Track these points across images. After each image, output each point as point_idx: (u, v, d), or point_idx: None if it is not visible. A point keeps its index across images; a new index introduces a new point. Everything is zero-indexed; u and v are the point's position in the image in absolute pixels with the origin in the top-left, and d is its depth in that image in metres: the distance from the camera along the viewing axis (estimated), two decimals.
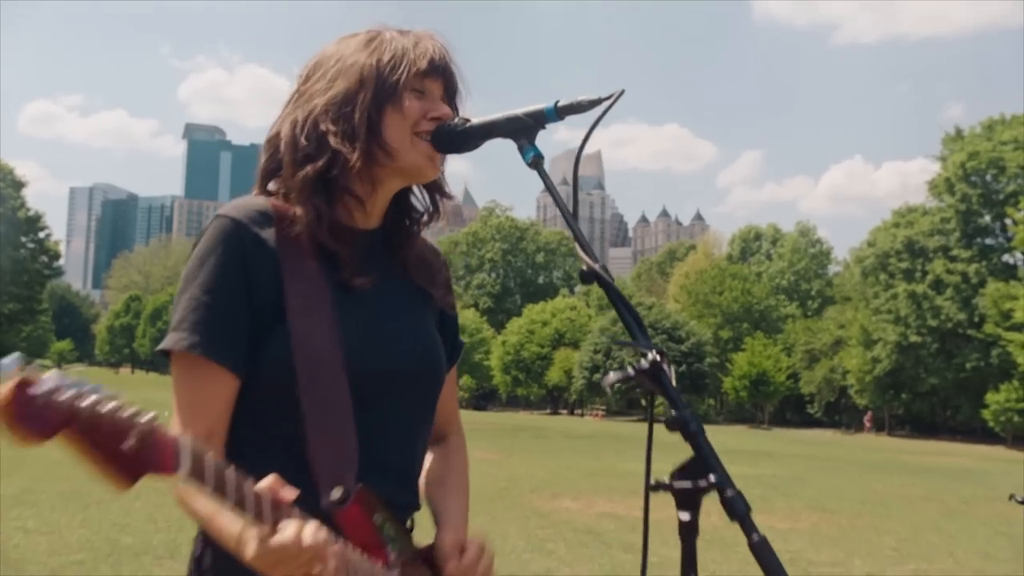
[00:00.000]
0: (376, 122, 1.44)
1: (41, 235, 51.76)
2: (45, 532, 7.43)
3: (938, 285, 53.02)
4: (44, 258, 51.92)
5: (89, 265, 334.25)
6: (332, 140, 1.42)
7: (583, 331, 65.71)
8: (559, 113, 1.35)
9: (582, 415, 67.47)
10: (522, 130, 1.38)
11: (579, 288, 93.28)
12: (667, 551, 6.71)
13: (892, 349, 54.30)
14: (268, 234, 1.42)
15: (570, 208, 1.33)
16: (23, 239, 50.43)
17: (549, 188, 1.35)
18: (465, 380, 72.86)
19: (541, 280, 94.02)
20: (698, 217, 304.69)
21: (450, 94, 1.53)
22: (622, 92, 1.28)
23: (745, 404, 66.87)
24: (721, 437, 32.43)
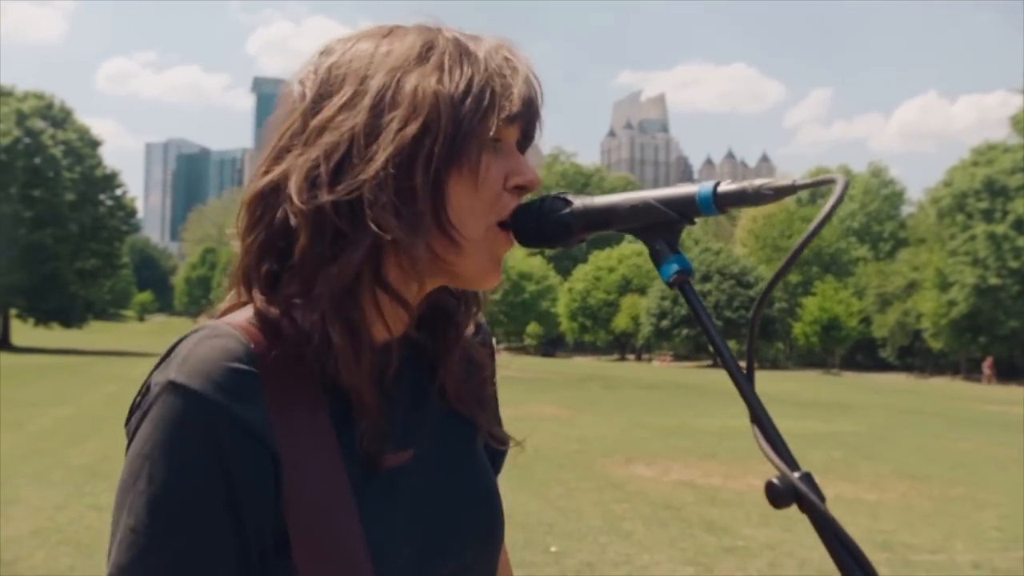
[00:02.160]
0: (439, 193, 0.88)
1: (118, 192, 52.64)
2: None
3: (1019, 225, 51.20)
4: (121, 214, 52.89)
5: (166, 218, 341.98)
6: (383, 217, 0.85)
7: (650, 277, 65.06)
8: (719, 204, 0.85)
9: (650, 360, 67.14)
10: (657, 227, 0.89)
11: None
12: (751, 531, 6.34)
13: (970, 292, 52.78)
14: (256, 409, 0.84)
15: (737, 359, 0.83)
16: (101, 196, 51.42)
17: (696, 312, 0.85)
18: (532, 327, 73.09)
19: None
20: (764, 159, 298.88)
21: (531, 137, 0.98)
22: (846, 185, 0.79)
23: (815, 348, 65.78)
24: (792, 385, 31.99)
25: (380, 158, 0.86)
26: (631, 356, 70.92)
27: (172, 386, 0.83)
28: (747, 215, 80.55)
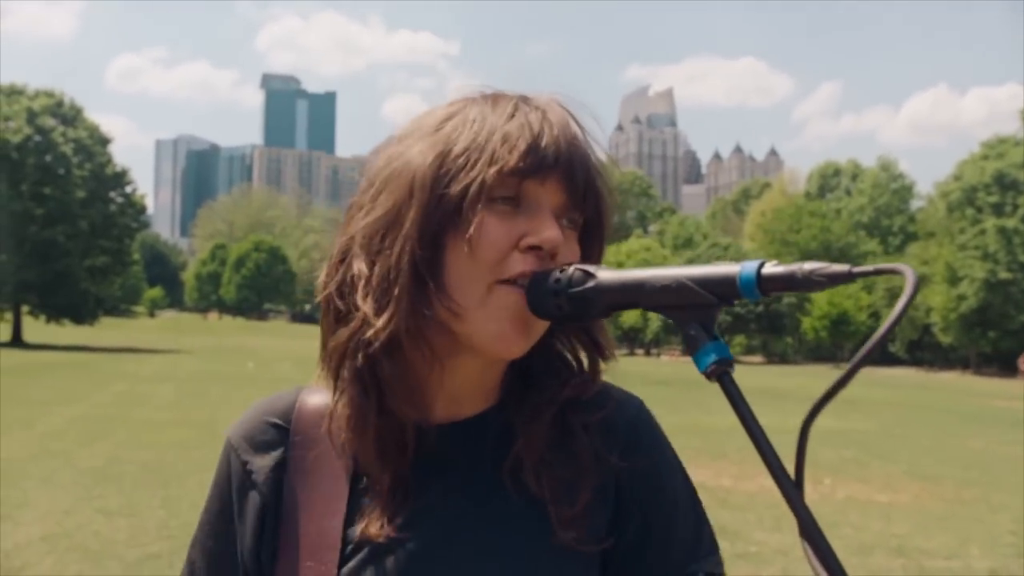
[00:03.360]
0: (431, 259, 0.84)
1: (128, 190, 52.73)
2: (126, 515, 7.36)
3: None
4: (131, 211, 52.98)
5: (176, 214, 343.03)
6: (360, 293, 0.86)
7: None
8: (764, 288, 0.77)
9: (659, 355, 67.05)
10: (693, 309, 0.80)
11: (653, 228, 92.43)
12: (763, 536, 6.25)
13: (979, 286, 52.63)
14: (268, 460, 0.96)
15: (791, 475, 0.75)
16: (111, 194, 51.52)
17: (740, 412, 0.76)
18: None
19: (615, 221, 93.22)
20: (772, 153, 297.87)
21: (577, 195, 0.88)
22: (917, 281, 0.69)
23: (824, 343, 65.64)
24: (802, 379, 31.83)
25: (363, 224, 0.88)
26: (640, 351, 70.83)
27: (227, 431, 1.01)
28: (755, 209, 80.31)
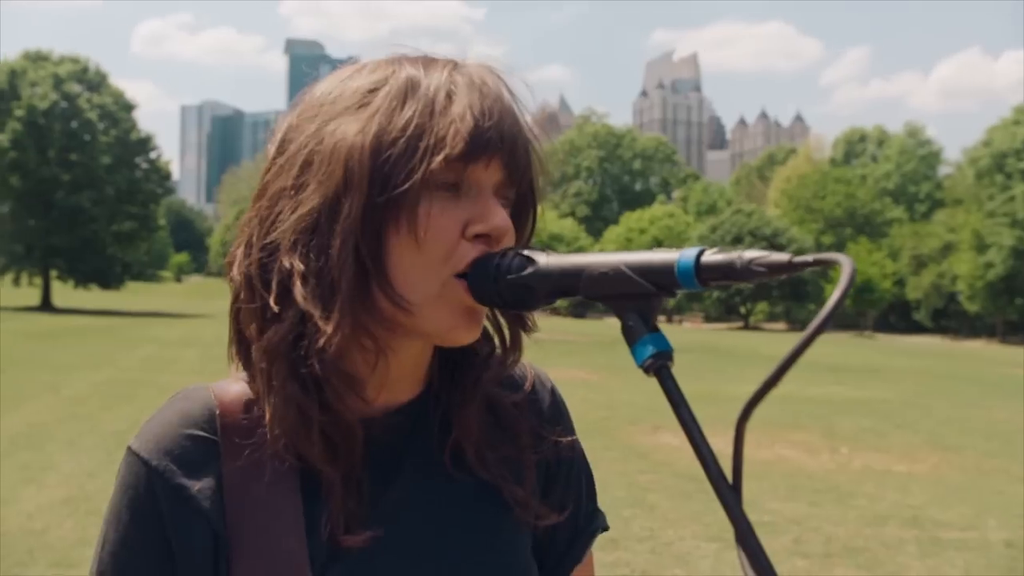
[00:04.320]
0: (375, 253, 0.79)
1: (153, 155, 52.98)
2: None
3: None
4: (156, 177, 53.21)
5: (202, 180, 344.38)
6: (298, 292, 0.79)
7: (681, 238, 64.62)
8: (703, 278, 0.73)
9: (680, 322, 66.90)
10: (631, 299, 0.76)
11: (676, 194, 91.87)
12: (777, 505, 6.25)
13: (1008, 254, 52.05)
14: (204, 480, 0.83)
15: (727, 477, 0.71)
16: (137, 159, 51.76)
17: (676, 406, 0.72)
18: None
19: (638, 187, 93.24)
20: (798, 119, 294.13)
21: (517, 174, 0.84)
22: (854, 270, 0.64)
23: (848, 310, 65.17)
24: (825, 348, 31.61)
25: (289, 224, 0.80)
26: (662, 317, 70.59)
27: (128, 451, 0.85)
28: (780, 176, 79.52)
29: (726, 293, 57.42)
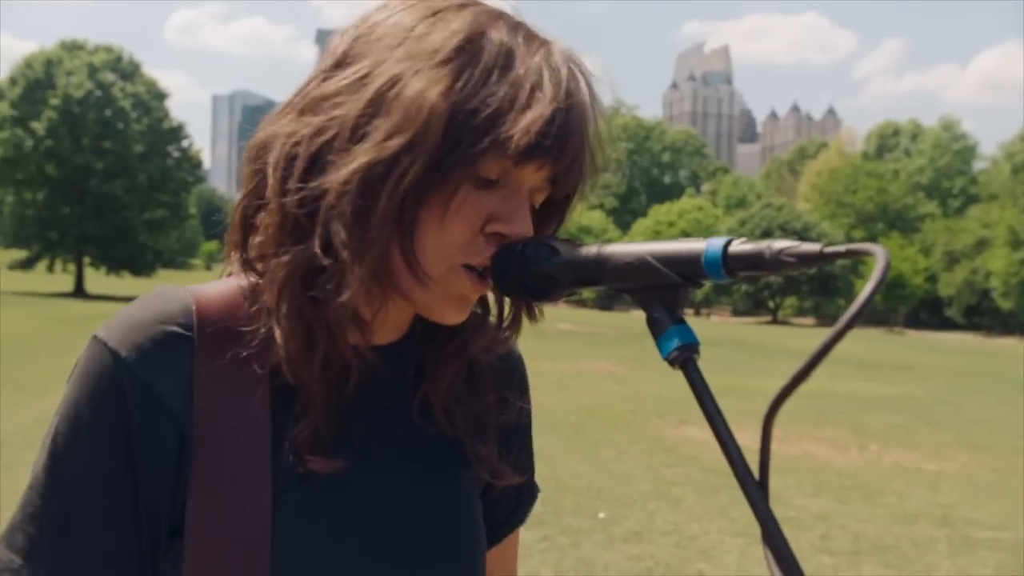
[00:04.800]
0: (412, 222, 0.78)
1: (184, 144, 53.42)
2: None
3: None
4: (188, 165, 53.62)
5: (233, 168, 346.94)
6: (338, 234, 0.77)
7: (710, 232, 64.22)
8: (730, 268, 0.70)
9: (708, 315, 66.59)
10: (657, 290, 0.74)
11: (706, 187, 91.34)
12: (804, 501, 6.17)
13: None
14: (175, 379, 0.80)
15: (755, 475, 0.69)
16: (169, 148, 52.20)
17: (702, 401, 0.71)
18: None
19: (667, 180, 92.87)
20: (830, 112, 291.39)
21: (560, 179, 0.83)
22: (888, 261, 0.62)
23: (878, 306, 64.57)
24: (854, 344, 31.38)
25: (351, 166, 0.77)
26: (689, 311, 70.45)
27: (93, 340, 0.80)
28: (811, 169, 78.79)
29: (754, 287, 57.06)
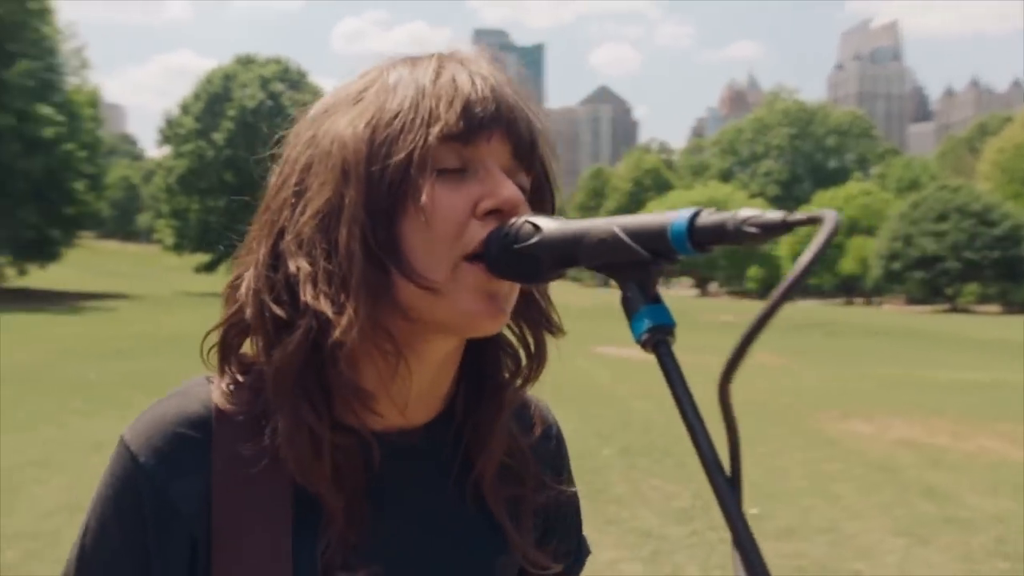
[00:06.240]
0: (388, 241, 0.76)
1: None
2: None
3: None
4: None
5: None
6: (307, 293, 0.75)
7: (879, 217, 61.44)
8: (696, 240, 0.66)
9: (880, 304, 63.64)
10: (630, 267, 0.69)
11: (874, 171, 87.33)
12: (978, 500, 5.77)
13: None
14: (189, 484, 0.79)
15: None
16: None
17: (671, 383, 0.65)
18: (753, 271, 71.15)
19: (832, 164, 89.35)
20: (1016, 84, 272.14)
21: (523, 150, 0.81)
22: (836, 223, 0.57)
23: None
24: None
25: (293, 228, 0.78)
26: (859, 300, 67.50)
27: (120, 442, 0.82)
28: (992, 146, 73.86)
29: (930, 273, 54.06)
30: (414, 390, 0.83)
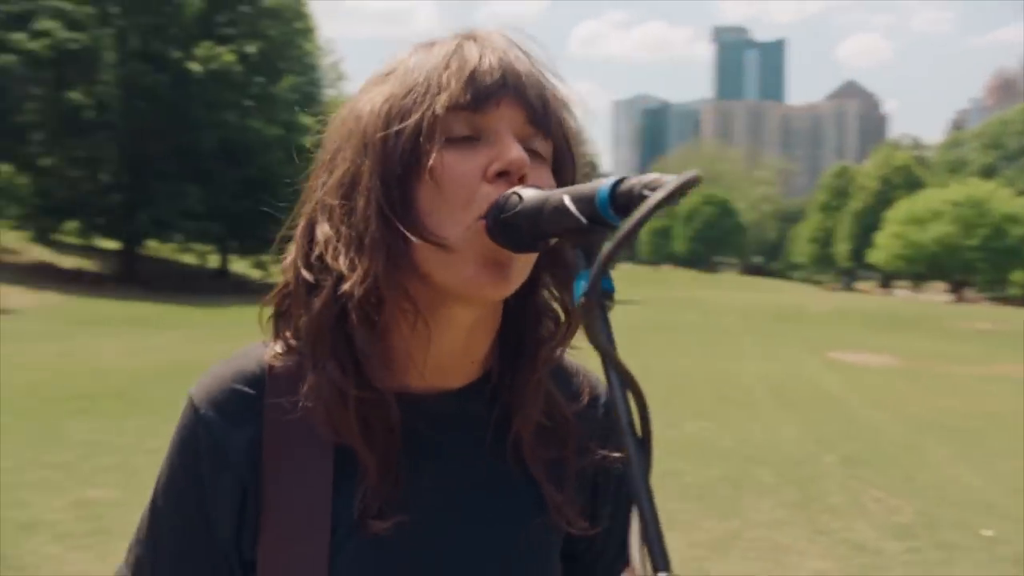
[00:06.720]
0: (403, 206, 0.81)
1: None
2: None
3: None
4: (586, 169, 56.74)
5: (635, 171, 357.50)
6: (329, 255, 0.82)
7: None
8: (617, 204, 0.66)
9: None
10: (576, 233, 0.71)
11: None
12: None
13: None
14: (241, 435, 0.87)
15: None
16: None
17: (597, 343, 0.65)
18: (1018, 275, 65.08)
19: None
20: None
21: (537, 116, 0.84)
22: (684, 182, 0.58)
23: None
24: None
25: (318, 197, 0.86)
26: (982, 295, 60.03)
27: (188, 396, 0.91)
28: None
29: None
30: (445, 354, 0.88)
